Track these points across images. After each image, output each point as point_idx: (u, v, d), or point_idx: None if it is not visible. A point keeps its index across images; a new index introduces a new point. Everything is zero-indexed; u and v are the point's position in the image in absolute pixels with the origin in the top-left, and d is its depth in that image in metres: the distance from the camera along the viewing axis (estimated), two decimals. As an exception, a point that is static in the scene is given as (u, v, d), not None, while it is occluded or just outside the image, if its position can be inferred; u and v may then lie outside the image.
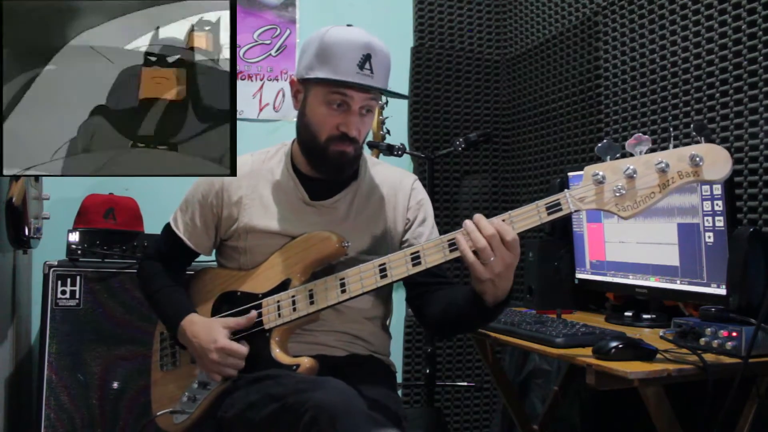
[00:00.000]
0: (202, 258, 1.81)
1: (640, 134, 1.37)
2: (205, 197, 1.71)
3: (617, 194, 1.34)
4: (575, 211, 1.38)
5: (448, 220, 3.09)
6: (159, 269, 1.76)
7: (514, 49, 3.16)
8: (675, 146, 1.34)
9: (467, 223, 1.40)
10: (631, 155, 1.36)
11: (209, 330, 1.59)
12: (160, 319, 1.76)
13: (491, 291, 1.42)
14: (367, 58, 1.54)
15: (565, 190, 1.39)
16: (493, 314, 1.49)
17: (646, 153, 1.34)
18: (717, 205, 1.73)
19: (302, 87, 1.63)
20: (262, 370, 1.53)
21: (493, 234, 1.36)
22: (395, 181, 1.75)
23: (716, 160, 1.29)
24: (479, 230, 1.37)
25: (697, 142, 1.34)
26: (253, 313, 1.60)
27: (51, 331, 2.36)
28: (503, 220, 1.40)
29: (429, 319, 1.66)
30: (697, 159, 1.29)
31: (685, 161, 1.30)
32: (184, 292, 1.74)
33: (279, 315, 1.59)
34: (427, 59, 3.15)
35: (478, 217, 1.39)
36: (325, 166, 1.63)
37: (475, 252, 1.38)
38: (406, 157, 3.00)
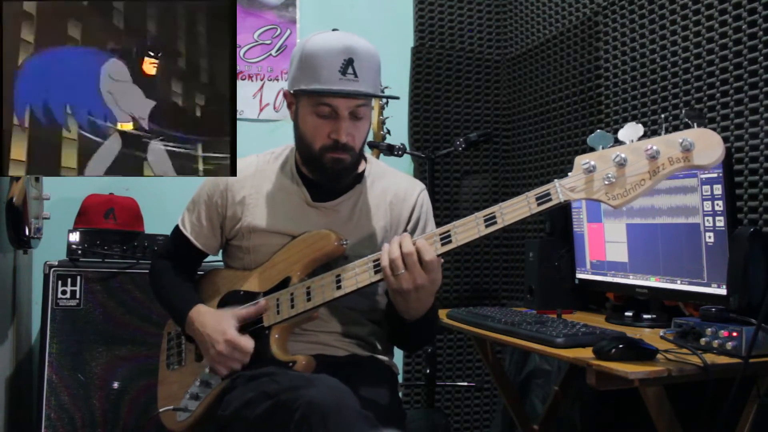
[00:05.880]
0: (210, 258, 1.83)
1: (633, 122, 1.33)
2: (210, 197, 1.72)
3: (606, 182, 1.30)
4: (565, 201, 1.35)
5: (448, 220, 3.05)
6: (169, 266, 1.78)
7: (514, 49, 3.16)
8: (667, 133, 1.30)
9: (395, 238, 1.48)
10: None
11: (219, 320, 1.60)
12: (168, 313, 1.77)
13: (402, 305, 1.51)
14: (349, 62, 1.52)
15: (555, 180, 1.37)
16: (408, 329, 1.59)
17: (637, 141, 1.30)
18: (717, 205, 1.73)
19: (293, 98, 1.63)
20: (261, 368, 1.53)
21: (410, 252, 1.43)
22: (402, 189, 1.75)
23: (707, 145, 1.25)
24: (400, 245, 1.45)
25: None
26: (263, 301, 1.61)
27: (51, 331, 2.36)
28: (493, 212, 1.41)
29: (388, 331, 1.73)
30: (688, 144, 1.25)
31: (675, 147, 1.26)
32: (192, 287, 1.76)
33: (278, 312, 1.59)
34: (427, 59, 3.15)
35: (405, 236, 1.47)
36: (322, 175, 1.64)
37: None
38: (406, 157, 3.00)
